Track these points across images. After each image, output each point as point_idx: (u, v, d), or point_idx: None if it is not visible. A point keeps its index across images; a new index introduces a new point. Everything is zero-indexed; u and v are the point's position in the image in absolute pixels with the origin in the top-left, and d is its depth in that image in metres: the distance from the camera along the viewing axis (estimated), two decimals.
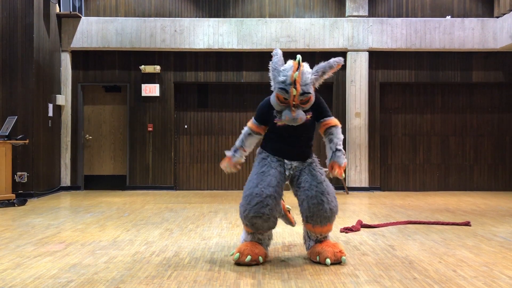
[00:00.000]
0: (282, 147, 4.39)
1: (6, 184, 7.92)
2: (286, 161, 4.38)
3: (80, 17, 10.08)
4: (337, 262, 4.22)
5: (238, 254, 4.23)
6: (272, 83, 4.41)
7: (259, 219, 4.14)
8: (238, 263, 4.23)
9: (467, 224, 6.26)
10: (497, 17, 10.18)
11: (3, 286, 3.66)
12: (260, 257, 4.23)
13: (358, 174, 10.14)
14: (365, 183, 10.15)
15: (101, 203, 8.29)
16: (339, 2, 10.45)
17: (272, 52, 4.56)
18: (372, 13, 10.39)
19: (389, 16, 10.40)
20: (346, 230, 5.79)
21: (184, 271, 4.09)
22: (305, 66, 4.31)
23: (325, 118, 4.41)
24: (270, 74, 4.43)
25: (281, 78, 4.27)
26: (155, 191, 10.15)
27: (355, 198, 9.23)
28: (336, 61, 4.35)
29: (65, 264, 4.30)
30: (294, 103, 4.21)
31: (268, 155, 4.42)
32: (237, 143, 4.60)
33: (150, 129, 10.35)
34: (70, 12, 9.80)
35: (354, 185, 10.09)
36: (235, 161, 4.60)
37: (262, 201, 4.12)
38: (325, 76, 4.38)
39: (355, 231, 5.84)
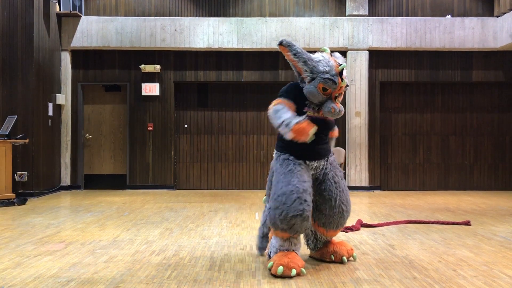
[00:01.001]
0: (302, 146, 4.05)
1: (6, 183, 7.92)
2: (307, 162, 4.12)
3: (80, 16, 10.07)
4: (350, 258, 4.39)
5: (281, 267, 3.83)
6: (305, 73, 4.00)
7: (299, 218, 3.83)
8: (280, 276, 3.84)
9: (467, 223, 6.26)
10: (497, 16, 10.18)
11: (3, 286, 3.66)
12: (303, 269, 3.95)
13: (358, 174, 10.14)
14: (365, 183, 10.15)
15: (101, 203, 8.29)
16: (339, 1, 10.44)
17: (282, 41, 4.03)
18: (372, 12, 10.39)
19: (389, 15, 10.39)
20: (346, 229, 5.79)
21: (184, 271, 4.09)
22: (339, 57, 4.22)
23: (334, 128, 4.36)
24: (300, 63, 3.99)
25: (325, 68, 3.97)
26: (155, 190, 10.15)
27: (355, 197, 9.23)
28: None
29: (65, 264, 4.30)
30: (336, 95, 4.05)
31: (289, 156, 4.11)
32: (283, 116, 3.99)
33: (150, 128, 10.35)
34: (70, 11, 9.80)
35: (354, 185, 10.09)
36: (307, 116, 4.04)
37: (300, 197, 3.85)
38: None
39: (355, 230, 5.84)
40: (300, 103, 4.09)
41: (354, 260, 4.38)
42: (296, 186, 3.89)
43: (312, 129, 3.95)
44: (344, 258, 4.28)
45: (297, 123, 3.93)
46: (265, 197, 4.46)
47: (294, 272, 3.85)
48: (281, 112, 4.01)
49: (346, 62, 4.42)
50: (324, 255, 4.33)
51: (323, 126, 4.12)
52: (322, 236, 4.31)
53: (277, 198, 3.91)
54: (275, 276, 3.86)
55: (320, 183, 4.20)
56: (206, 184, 10.54)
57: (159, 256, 4.57)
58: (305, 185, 3.94)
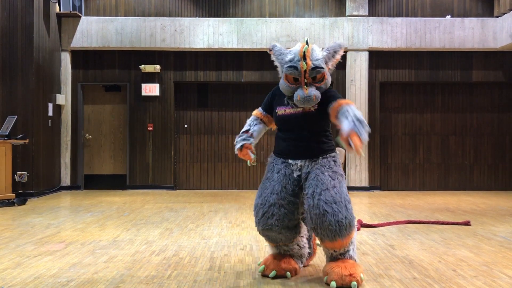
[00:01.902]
0: (285, 144, 3.87)
1: (6, 183, 7.92)
2: (290, 160, 3.83)
3: (80, 16, 10.07)
4: (346, 287, 3.55)
5: (263, 266, 3.91)
6: (279, 70, 3.95)
7: (271, 232, 3.73)
8: (264, 275, 3.90)
9: (467, 223, 6.26)
10: (497, 16, 10.18)
11: (3, 286, 3.66)
12: (287, 273, 3.81)
13: (358, 174, 10.14)
14: (365, 183, 10.15)
15: (101, 203, 8.29)
16: (339, 1, 10.45)
17: (270, 47, 4.05)
18: (372, 12, 10.39)
19: (389, 16, 10.40)
20: None
21: (184, 271, 4.09)
22: (314, 45, 3.89)
23: (333, 102, 3.73)
24: (276, 61, 3.96)
25: (289, 57, 3.80)
26: (155, 190, 10.15)
27: (355, 197, 9.22)
28: (343, 44, 3.96)
29: (65, 264, 4.30)
30: (306, 80, 3.70)
31: (274, 158, 3.95)
32: (244, 128, 4.05)
33: (150, 128, 10.35)
34: (70, 11, 9.80)
35: (354, 185, 10.09)
36: (245, 146, 3.93)
37: (267, 211, 3.70)
38: (337, 57, 3.88)
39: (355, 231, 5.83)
40: (274, 105, 3.96)
41: None
42: (265, 199, 3.73)
43: (248, 161, 3.90)
44: (333, 283, 3.53)
45: (239, 148, 3.93)
46: None
47: (273, 273, 3.80)
48: (244, 127, 4.07)
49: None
50: (323, 273, 3.81)
51: (295, 122, 3.79)
52: (324, 249, 3.78)
53: (254, 208, 3.86)
54: (263, 276, 3.90)
55: (303, 183, 3.77)
56: (206, 184, 10.54)
57: (159, 256, 4.57)
58: (274, 197, 3.70)
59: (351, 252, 3.71)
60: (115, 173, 10.47)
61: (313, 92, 3.67)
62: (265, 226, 3.72)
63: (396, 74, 10.40)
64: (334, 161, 3.82)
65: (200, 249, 4.90)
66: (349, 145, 3.44)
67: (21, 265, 4.26)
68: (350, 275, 3.55)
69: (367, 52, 10.24)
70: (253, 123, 4.07)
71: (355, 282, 3.53)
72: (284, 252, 3.91)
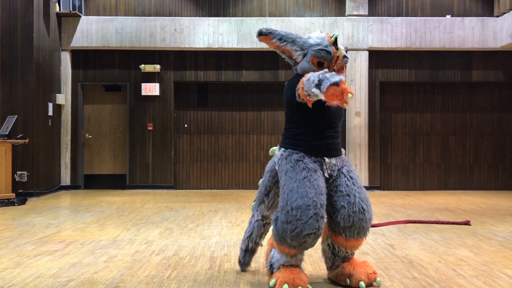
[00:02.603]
0: (319, 141, 3.57)
1: (6, 183, 7.92)
2: (326, 159, 3.58)
3: (80, 16, 10.07)
4: (371, 284, 3.56)
5: (287, 285, 3.36)
6: (295, 53, 3.63)
7: (313, 236, 3.34)
8: None
9: (467, 223, 6.26)
10: (497, 16, 10.18)
11: (3, 286, 3.66)
12: (309, 286, 3.47)
13: (358, 173, 10.07)
14: (365, 183, 10.15)
15: (101, 203, 8.29)
16: (339, 1, 10.45)
17: (261, 30, 3.66)
18: (372, 12, 10.39)
19: (389, 15, 10.40)
20: None
21: (184, 271, 4.09)
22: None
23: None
24: (288, 45, 3.62)
25: (316, 41, 3.55)
26: (155, 190, 10.15)
27: None
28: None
29: (65, 263, 4.30)
30: (334, 67, 3.52)
31: (303, 155, 3.55)
32: (316, 76, 3.23)
33: (150, 128, 10.35)
34: (70, 11, 9.80)
35: None
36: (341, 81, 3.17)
37: (317, 213, 3.32)
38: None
39: None
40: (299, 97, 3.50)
41: (378, 286, 3.62)
42: (314, 200, 3.34)
43: (345, 92, 3.09)
44: (362, 283, 3.49)
45: (334, 83, 3.10)
46: (253, 203, 3.94)
47: None
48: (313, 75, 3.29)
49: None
50: (339, 277, 3.64)
51: (332, 115, 3.58)
52: (341, 249, 3.62)
53: (291, 212, 3.34)
54: None
55: (334, 180, 3.60)
56: (206, 184, 10.54)
57: (159, 256, 4.57)
58: (322, 198, 3.40)
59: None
60: (115, 173, 10.48)
61: (343, 77, 3.34)
62: (311, 230, 3.31)
63: (396, 74, 10.40)
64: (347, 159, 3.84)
65: (200, 248, 4.90)
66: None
67: (21, 264, 4.26)
68: (374, 272, 3.63)
69: (367, 51, 10.24)
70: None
71: (379, 279, 3.63)
72: (296, 263, 3.56)
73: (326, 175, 3.58)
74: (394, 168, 10.55)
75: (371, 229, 5.84)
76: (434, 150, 10.56)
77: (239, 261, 4.05)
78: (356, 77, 10.21)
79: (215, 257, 4.56)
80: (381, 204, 8.21)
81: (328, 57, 3.51)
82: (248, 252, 3.99)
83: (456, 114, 10.60)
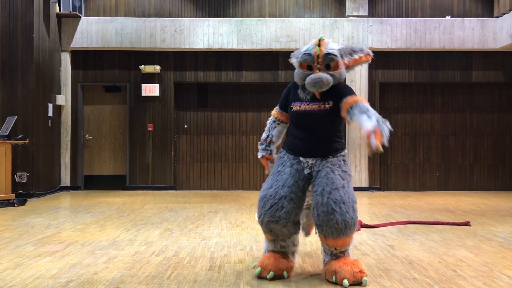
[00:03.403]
0: (297, 141, 3.92)
1: (6, 184, 7.92)
2: (301, 158, 3.87)
3: (80, 17, 10.07)
4: (357, 283, 3.65)
5: (259, 268, 3.80)
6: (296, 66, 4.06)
7: (276, 224, 3.71)
8: (260, 277, 3.82)
9: (466, 224, 6.26)
10: (497, 17, 10.18)
11: (3, 286, 3.66)
12: (284, 272, 3.79)
13: (358, 174, 10.14)
14: (365, 183, 10.15)
15: (101, 203, 8.29)
16: (339, 2, 10.45)
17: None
18: (372, 13, 10.39)
19: (389, 16, 10.40)
20: None
21: (184, 271, 4.09)
22: (330, 40, 4.06)
23: (348, 96, 3.79)
24: (293, 61, 4.13)
25: (304, 49, 3.96)
26: (155, 191, 10.15)
27: None
28: (367, 51, 4.20)
29: (65, 264, 4.30)
30: (318, 66, 3.82)
31: (286, 153, 3.97)
32: (263, 134, 4.19)
33: (150, 129, 10.35)
34: (70, 12, 9.80)
35: (354, 185, 10.04)
36: (265, 157, 4.14)
37: (276, 203, 3.70)
38: (355, 56, 4.09)
39: (356, 231, 5.83)
40: (295, 98, 3.97)
41: (363, 285, 3.66)
42: (276, 191, 3.74)
43: (266, 171, 4.13)
44: (345, 281, 3.59)
45: (258, 155, 4.16)
46: None
47: (271, 274, 3.74)
48: (264, 131, 4.24)
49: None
50: (327, 273, 3.77)
51: (308, 120, 3.88)
52: (325, 247, 3.81)
53: (259, 200, 3.86)
54: (258, 277, 3.82)
55: (314, 180, 3.84)
56: (206, 184, 10.54)
57: (159, 257, 4.57)
58: (286, 190, 3.74)
59: (349, 250, 3.86)
60: (115, 174, 10.47)
61: (325, 75, 3.77)
62: (272, 218, 3.71)
63: (396, 75, 10.41)
64: (344, 161, 3.93)
65: (200, 249, 4.90)
66: (369, 142, 3.36)
67: (21, 265, 4.27)
68: (360, 271, 3.68)
69: None
70: (272, 126, 4.19)
71: (366, 278, 3.67)
72: (279, 249, 3.88)
73: (305, 172, 3.86)
74: (394, 168, 10.55)
75: (371, 230, 5.88)
76: (434, 150, 10.56)
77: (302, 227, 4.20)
78: (356, 78, 10.21)
79: (215, 257, 4.56)
80: (381, 205, 8.22)
81: (308, 59, 3.86)
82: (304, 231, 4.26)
83: (456, 114, 10.60)
